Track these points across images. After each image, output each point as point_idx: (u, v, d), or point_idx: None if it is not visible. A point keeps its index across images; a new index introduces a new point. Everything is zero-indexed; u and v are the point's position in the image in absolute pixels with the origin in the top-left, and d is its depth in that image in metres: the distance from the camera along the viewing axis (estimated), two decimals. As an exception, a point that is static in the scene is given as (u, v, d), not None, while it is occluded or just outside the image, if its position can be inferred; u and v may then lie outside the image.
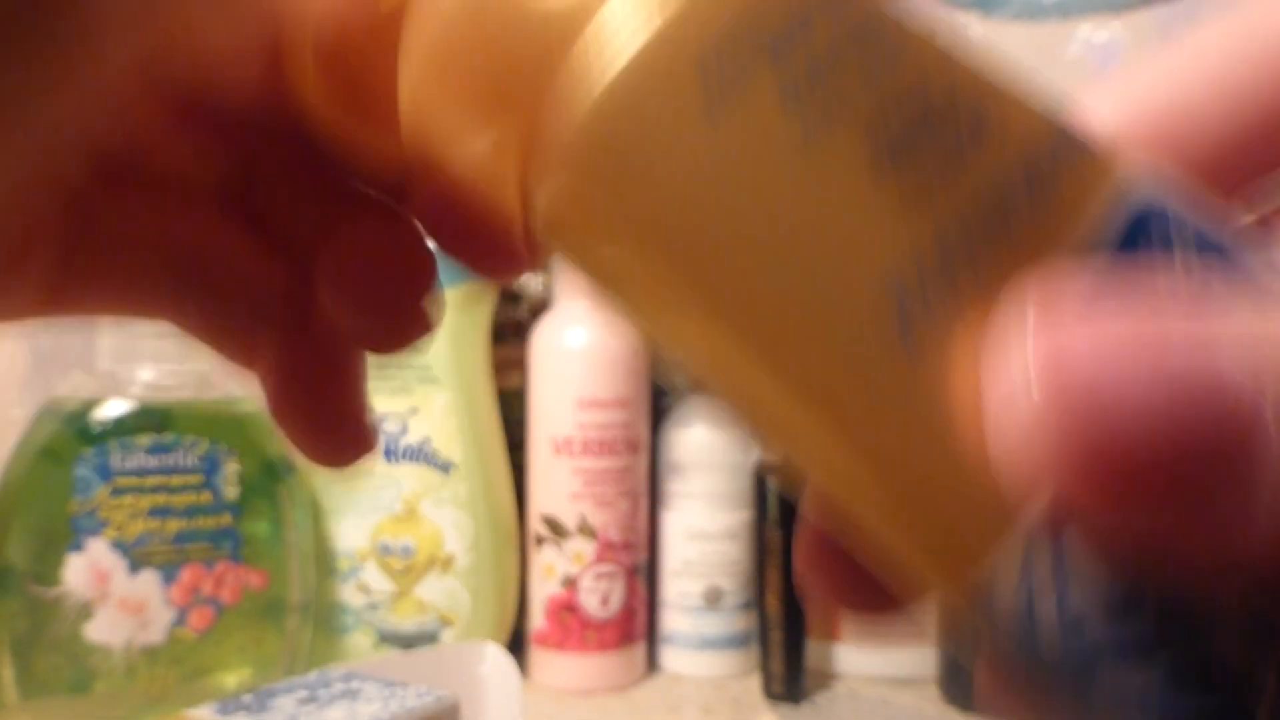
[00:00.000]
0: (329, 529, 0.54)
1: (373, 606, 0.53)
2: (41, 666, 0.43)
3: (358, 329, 0.18)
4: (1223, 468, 0.08)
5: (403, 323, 0.17)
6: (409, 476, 0.53)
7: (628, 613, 0.54)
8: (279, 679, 0.43)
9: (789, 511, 0.51)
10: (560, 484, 0.53)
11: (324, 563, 0.53)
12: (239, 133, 0.18)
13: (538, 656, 0.54)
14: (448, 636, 0.53)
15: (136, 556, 0.45)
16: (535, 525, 0.54)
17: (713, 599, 0.54)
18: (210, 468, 0.47)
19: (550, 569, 0.54)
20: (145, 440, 0.45)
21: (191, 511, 0.46)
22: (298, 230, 0.18)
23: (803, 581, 0.14)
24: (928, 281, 0.11)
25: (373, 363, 0.19)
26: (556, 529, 0.54)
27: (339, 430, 0.19)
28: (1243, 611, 0.09)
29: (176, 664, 0.46)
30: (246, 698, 0.36)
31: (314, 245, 0.18)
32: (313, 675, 0.38)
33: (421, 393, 0.54)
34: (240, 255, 0.18)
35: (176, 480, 0.46)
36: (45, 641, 0.43)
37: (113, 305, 0.18)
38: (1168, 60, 0.14)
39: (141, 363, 0.47)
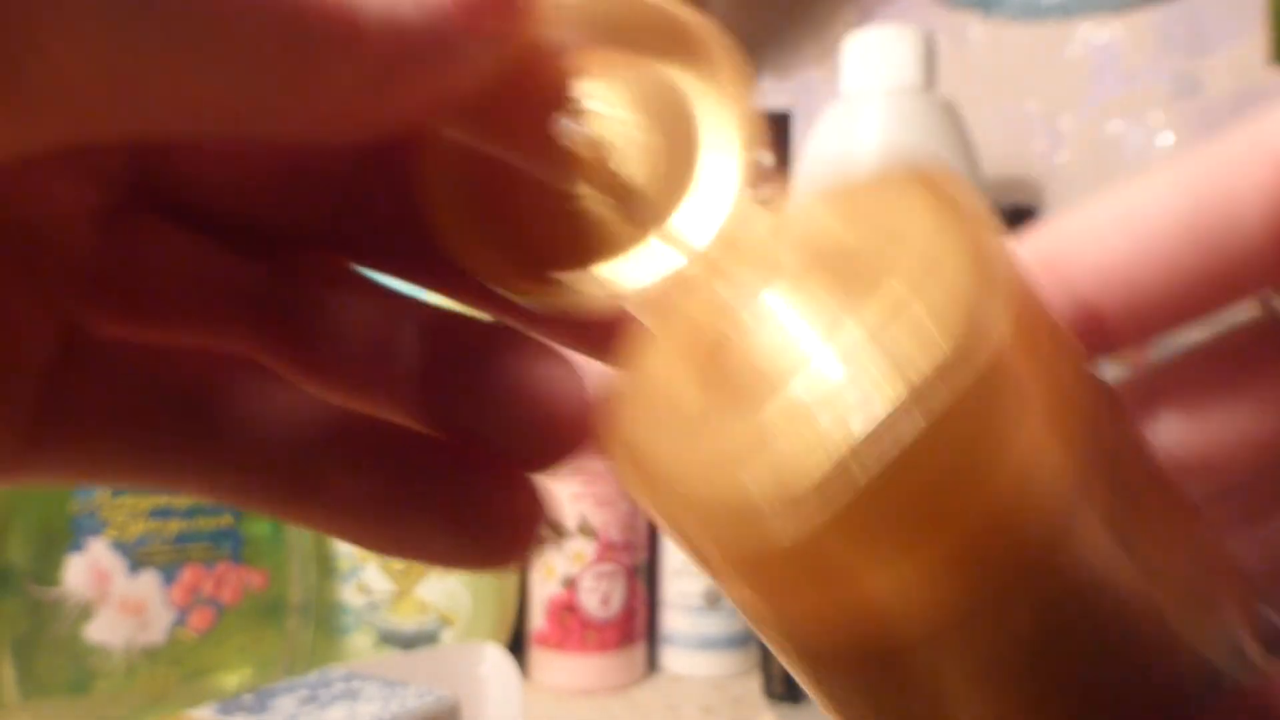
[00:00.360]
0: (329, 529, 0.54)
1: (373, 606, 0.53)
2: (42, 666, 0.43)
3: (528, 458, 0.15)
4: None
5: (584, 439, 0.15)
6: (409, 476, 0.53)
7: (628, 613, 0.54)
8: (279, 679, 0.43)
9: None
10: (560, 484, 0.53)
11: (324, 563, 0.53)
12: (274, 240, 0.15)
13: (538, 657, 0.54)
14: (448, 636, 0.53)
15: (137, 557, 0.45)
16: (535, 525, 0.54)
17: (713, 599, 0.54)
18: (210, 468, 0.47)
19: (550, 569, 0.54)
20: (145, 440, 0.45)
21: (192, 512, 0.46)
22: (368, 351, 0.15)
23: None
24: None
25: None
26: (556, 529, 0.54)
27: (510, 528, 0.16)
28: None
29: (176, 664, 0.46)
30: (246, 698, 0.36)
31: (400, 371, 0.15)
32: (313, 675, 0.38)
33: (421, 393, 0.54)
34: (284, 388, 0.15)
35: (177, 480, 0.46)
36: (45, 641, 0.43)
37: (98, 468, 0.15)
38: (1118, 210, 0.14)
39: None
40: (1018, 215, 0.45)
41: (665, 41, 0.15)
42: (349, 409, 0.16)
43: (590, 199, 0.15)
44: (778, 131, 0.55)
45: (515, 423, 0.15)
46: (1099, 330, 0.14)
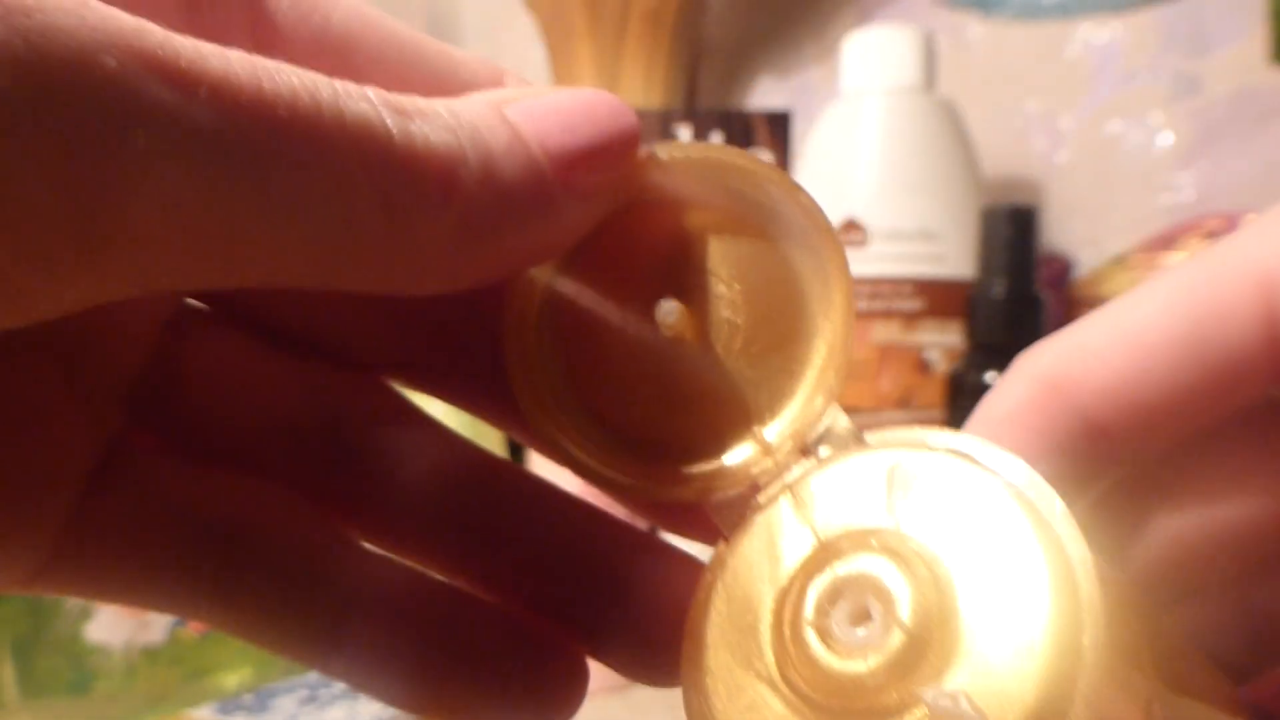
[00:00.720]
0: (329, 529, 0.54)
1: (373, 606, 0.53)
2: (41, 666, 0.43)
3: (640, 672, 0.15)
4: None
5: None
6: (409, 476, 0.53)
7: (628, 613, 0.54)
8: (279, 679, 0.43)
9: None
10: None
11: (324, 563, 0.53)
12: (337, 356, 0.15)
13: (538, 656, 0.54)
14: (448, 636, 0.53)
15: (136, 556, 0.45)
16: (535, 525, 0.54)
17: (713, 599, 0.54)
18: (210, 468, 0.47)
19: (550, 569, 0.54)
20: (145, 440, 0.45)
21: (191, 511, 0.46)
22: (419, 499, 0.15)
23: None
24: None
25: None
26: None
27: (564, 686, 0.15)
28: None
29: (176, 664, 0.46)
30: (246, 698, 0.36)
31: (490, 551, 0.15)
32: (313, 675, 0.38)
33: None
34: (322, 533, 0.15)
35: (176, 480, 0.46)
36: (45, 641, 0.43)
37: (116, 589, 0.14)
38: (1118, 329, 0.14)
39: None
40: (1018, 215, 0.45)
41: (774, 212, 0.14)
42: (391, 562, 0.15)
43: (679, 375, 0.14)
44: (778, 131, 0.55)
45: (605, 620, 0.15)
46: (1106, 444, 0.14)
